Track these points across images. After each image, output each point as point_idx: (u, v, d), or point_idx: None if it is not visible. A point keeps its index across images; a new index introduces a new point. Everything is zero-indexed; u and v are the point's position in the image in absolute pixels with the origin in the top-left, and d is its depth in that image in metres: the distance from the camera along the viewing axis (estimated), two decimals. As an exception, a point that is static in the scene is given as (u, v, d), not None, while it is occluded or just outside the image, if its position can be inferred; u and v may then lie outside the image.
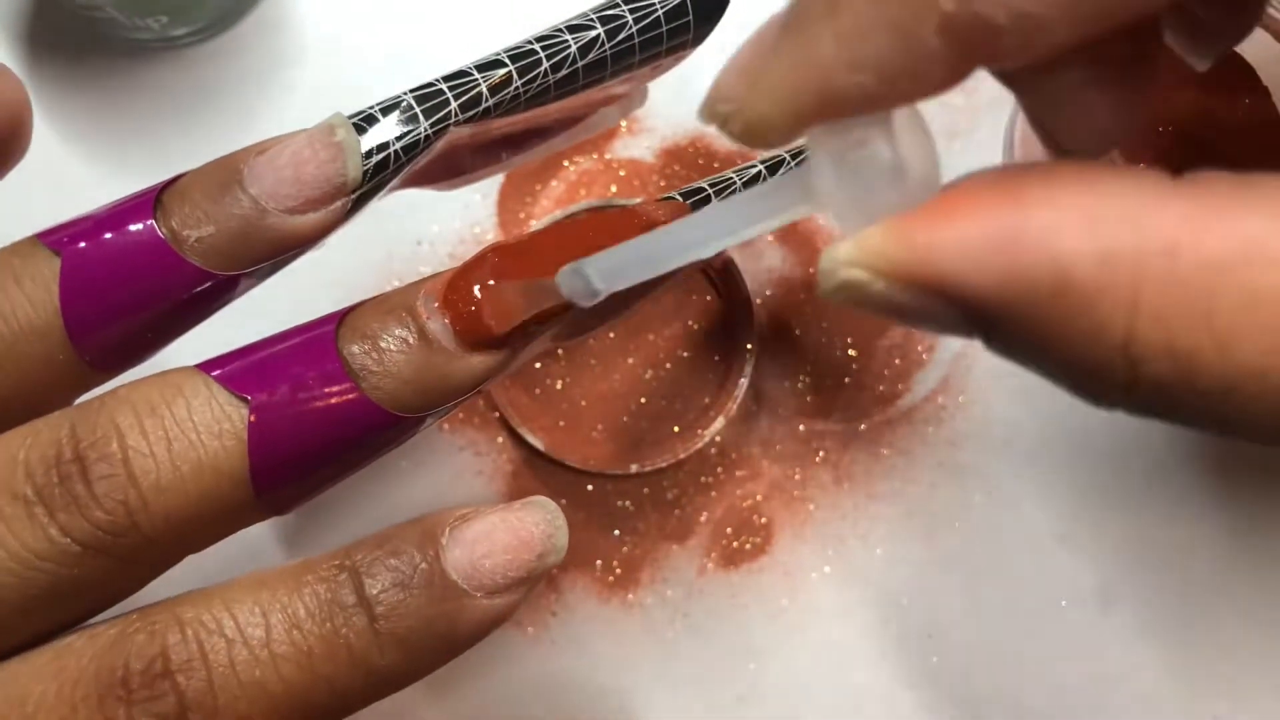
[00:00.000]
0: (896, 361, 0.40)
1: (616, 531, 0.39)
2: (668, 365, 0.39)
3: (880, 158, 0.17)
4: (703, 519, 0.39)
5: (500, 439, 0.39)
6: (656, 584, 0.39)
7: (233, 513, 0.22)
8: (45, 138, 0.40)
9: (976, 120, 0.41)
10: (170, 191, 0.23)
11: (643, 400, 0.39)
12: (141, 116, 0.40)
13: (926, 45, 0.16)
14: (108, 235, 0.22)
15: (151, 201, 0.23)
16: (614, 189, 0.40)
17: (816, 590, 0.39)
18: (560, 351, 0.39)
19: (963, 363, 0.40)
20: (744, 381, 0.38)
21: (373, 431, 0.22)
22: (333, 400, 0.21)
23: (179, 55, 0.41)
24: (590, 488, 0.39)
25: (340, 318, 0.22)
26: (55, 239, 0.22)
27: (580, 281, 0.21)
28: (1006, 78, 0.20)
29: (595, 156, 0.41)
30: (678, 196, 0.26)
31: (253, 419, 0.21)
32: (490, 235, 0.40)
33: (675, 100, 0.41)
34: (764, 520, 0.39)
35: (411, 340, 0.22)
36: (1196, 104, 0.37)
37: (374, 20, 0.42)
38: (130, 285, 0.22)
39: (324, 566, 0.21)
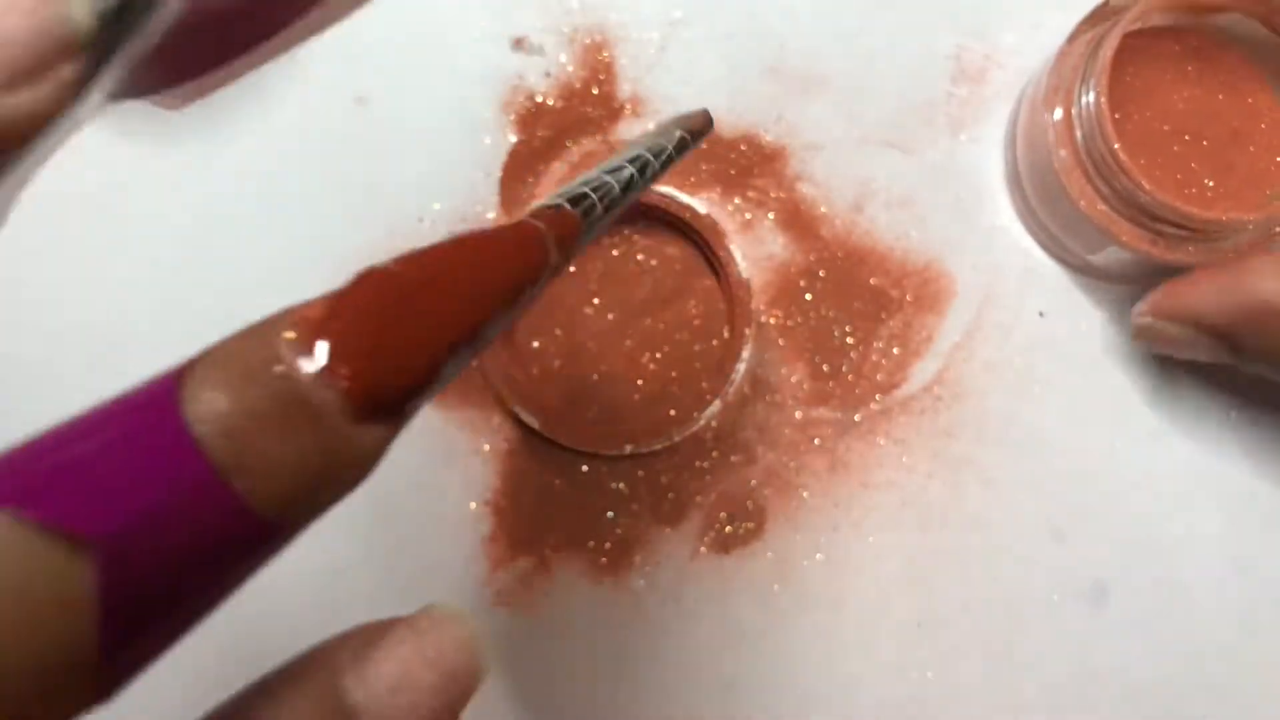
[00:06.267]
0: (895, 351, 0.40)
1: (610, 513, 0.39)
2: (665, 348, 0.39)
3: None
4: (696, 503, 0.39)
5: (496, 419, 0.39)
6: (649, 567, 0.39)
7: (77, 702, 0.14)
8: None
9: (982, 112, 0.41)
10: None
11: (639, 382, 0.39)
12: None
13: None
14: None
15: None
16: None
17: (808, 577, 0.39)
18: (558, 331, 0.39)
19: (960, 354, 0.40)
20: (741, 367, 0.38)
21: (255, 545, 0.15)
22: (202, 516, 0.14)
23: None
24: (585, 468, 0.39)
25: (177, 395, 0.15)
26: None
27: None
28: None
29: (599, 138, 0.41)
30: (564, 203, 0.21)
31: (103, 574, 0.13)
32: (492, 214, 0.40)
33: (680, 82, 0.41)
34: (758, 506, 0.39)
35: (299, 425, 0.15)
36: (1198, 101, 0.37)
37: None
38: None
39: None
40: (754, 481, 0.39)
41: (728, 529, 0.39)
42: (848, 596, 0.39)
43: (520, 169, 0.41)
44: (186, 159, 0.40)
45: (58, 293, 0.39)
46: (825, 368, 0.40)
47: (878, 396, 0.40)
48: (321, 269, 0.40)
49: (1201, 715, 0.39)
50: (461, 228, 0.40)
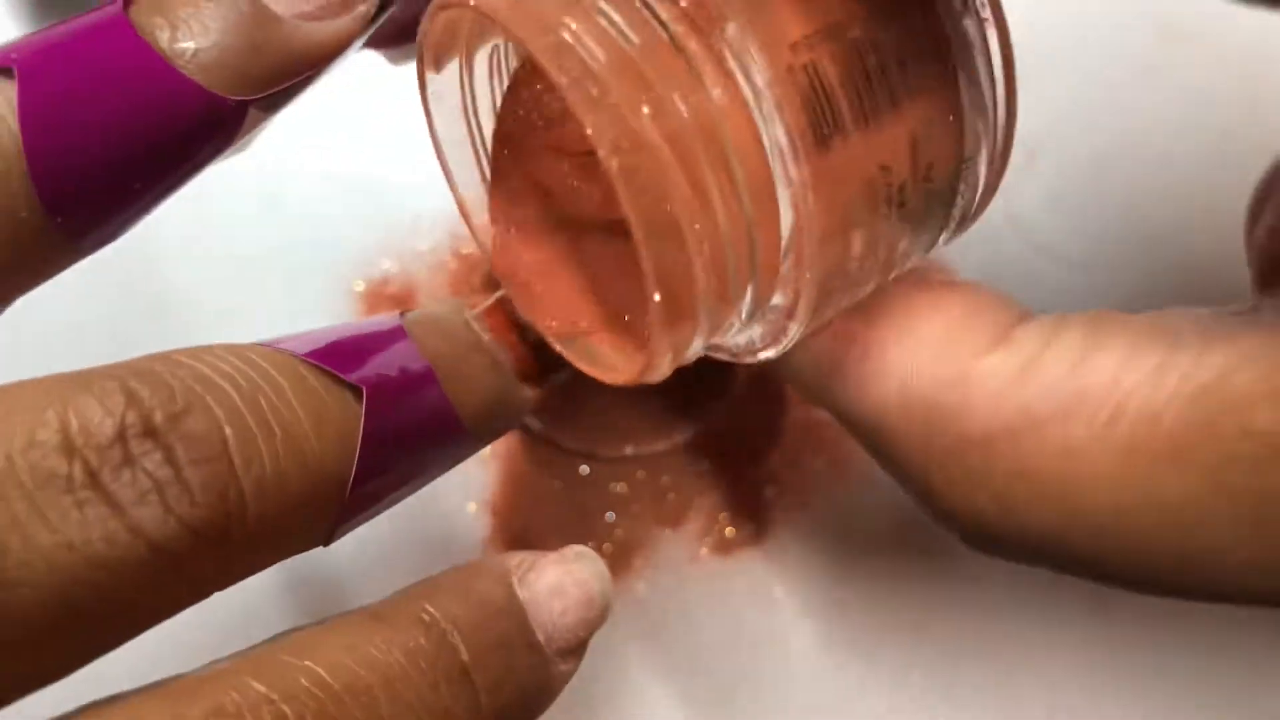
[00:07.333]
0: (897, 352, 0.40)
1: (610, 515, 0.39)
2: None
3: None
4: (697, 505, 0.39)
5: (496, 419, 0.39)
6: (648, 570, 0.39)
7: (316, 531, 0.18)
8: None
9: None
10: (143, 3, 0.18)
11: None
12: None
13: None
14: (77, 48, 0.17)
15: (123, 14, 0.18)
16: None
17: (811, 581, 0.39)
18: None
19: (964, 355, 0.40)
20: (743, 367, 0.38)
21: (451, 443, 0.21)
22: (425, 402, 0.19)
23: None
24: (585, 470, 0.39)
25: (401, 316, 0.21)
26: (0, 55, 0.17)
27: None
28: None
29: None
30: None
31: (366, 412, 0.18)
32: (491, 214, 0.40)
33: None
34: (760, 508, 0.39)
35: (487, 363, 0.21)
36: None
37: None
38: (115, 108, 0.18)
39: (412, 624, 0.19)
40: (756, 483, 0.39)
41: (729, 531, 0.39)
42: (850, 600, 0.39)
43: (520, 169, 0.40)
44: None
45: (55, 290, 0.39)
46: (827, 369, 0.40)
47: (880, 398, 0.40)
48: (320, 269, 0.40)
49: (1203, 717, 0.39)
50: (461, 228, 0.40)
